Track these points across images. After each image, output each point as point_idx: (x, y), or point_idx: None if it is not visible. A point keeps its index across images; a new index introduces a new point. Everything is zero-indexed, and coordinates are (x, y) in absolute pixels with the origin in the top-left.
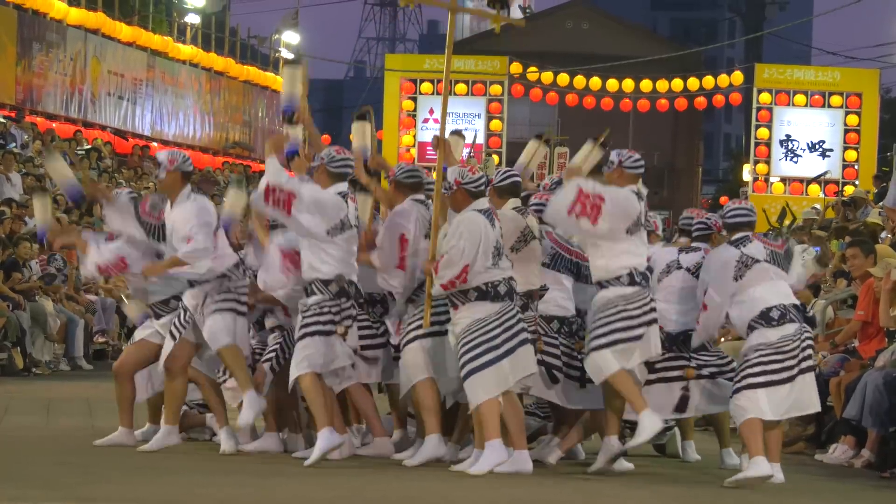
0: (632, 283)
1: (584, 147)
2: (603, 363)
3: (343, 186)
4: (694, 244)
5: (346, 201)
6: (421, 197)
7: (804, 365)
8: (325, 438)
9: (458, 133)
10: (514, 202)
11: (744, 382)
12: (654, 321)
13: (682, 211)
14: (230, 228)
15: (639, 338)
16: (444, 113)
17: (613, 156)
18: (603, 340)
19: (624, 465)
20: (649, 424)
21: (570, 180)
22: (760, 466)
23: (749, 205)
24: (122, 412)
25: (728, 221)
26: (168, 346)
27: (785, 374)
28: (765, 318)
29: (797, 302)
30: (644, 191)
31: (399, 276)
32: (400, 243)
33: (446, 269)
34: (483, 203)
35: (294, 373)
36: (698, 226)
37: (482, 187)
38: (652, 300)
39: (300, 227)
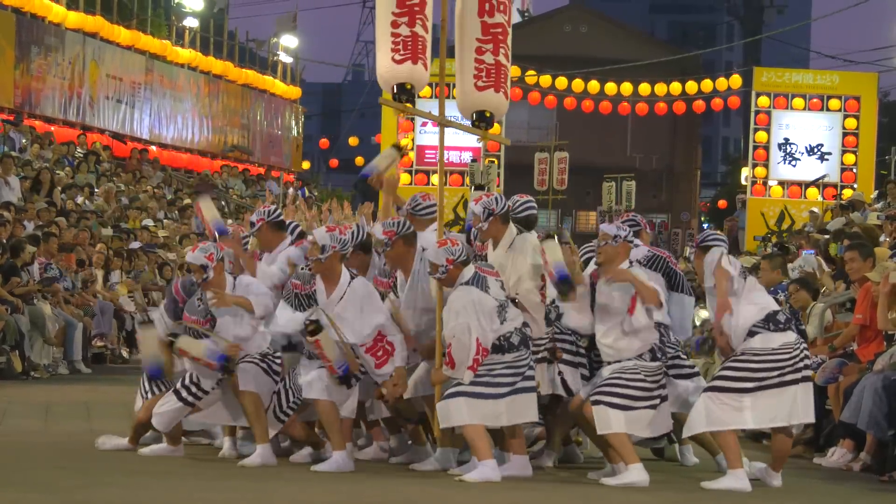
0: (654, 358)
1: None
2: (614, 421)
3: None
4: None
5: None
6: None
7: (802, 374)
8: (339, 461)
9: (397, 147)
10: (514, 230)
11: (727, 385)
12: (666, 398)
13: (679, 214)
14: (227, 233)
15: (654, 408)
16: (442, 114)
17: (612, 229)
18: (617, 400)
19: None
20: (638, 479)
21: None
22: (741, 480)
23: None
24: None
25: (705, 244)
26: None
27: (776, 381)
28: (772, 322)
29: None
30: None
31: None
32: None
33: (461, 352)
34: (468, 272)
35: (310, 394)
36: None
37: (462, 258)
38: (665, 376)
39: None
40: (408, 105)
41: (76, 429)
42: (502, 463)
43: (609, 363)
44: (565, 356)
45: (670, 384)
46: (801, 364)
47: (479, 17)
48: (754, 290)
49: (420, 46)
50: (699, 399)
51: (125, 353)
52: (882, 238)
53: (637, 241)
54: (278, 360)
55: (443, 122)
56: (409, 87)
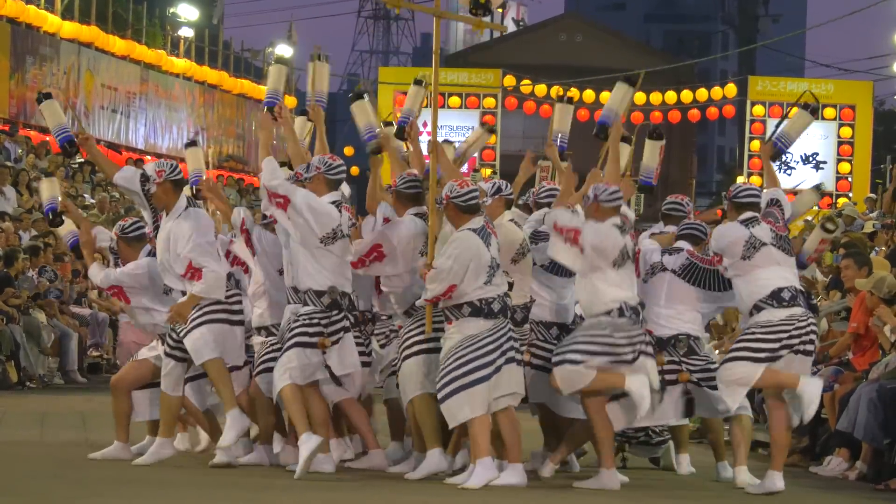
0: (621, 316)
1: (619, 88)
2: (577, 376)
3: (337, 195)
4: (677, 244)
5: (340, 210)
6: (422, 210)
7: (806, 348)
8: (304, 443)
9: (447, 143)
10: (510, 214)
11: (744, 354)
12: (645, 353)
13: None
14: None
15: (630, 361)
16: (435, 123)
17: (590, 191)
18: (579, 357)
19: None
20: (609, 483)
21: (553, 209)
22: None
23: (757, 186)
24: (118, 426)
25: (737, 201)
26: (167, 365)
27: (780, 352)
28: (775, 299)
29: (802, 288)
30: (628, 221)
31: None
32: (371, 249)
33: (431, 283)
34: (478, 221)
35: (277, 384)
36: (673, 206)
37: (472, 202)
38: (643, 334)
39: (295, 232)
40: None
41: (72, 439)
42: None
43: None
44: (546, 364)
45: (700, 392)
46: (806, 337)
47: None
48: (766, 264)
49: None
50: (718, 381)
51: (120, 363)
52: (875, 250)
53: (685, 245)
54: (235, 299)
55: (439, 14)
56: None
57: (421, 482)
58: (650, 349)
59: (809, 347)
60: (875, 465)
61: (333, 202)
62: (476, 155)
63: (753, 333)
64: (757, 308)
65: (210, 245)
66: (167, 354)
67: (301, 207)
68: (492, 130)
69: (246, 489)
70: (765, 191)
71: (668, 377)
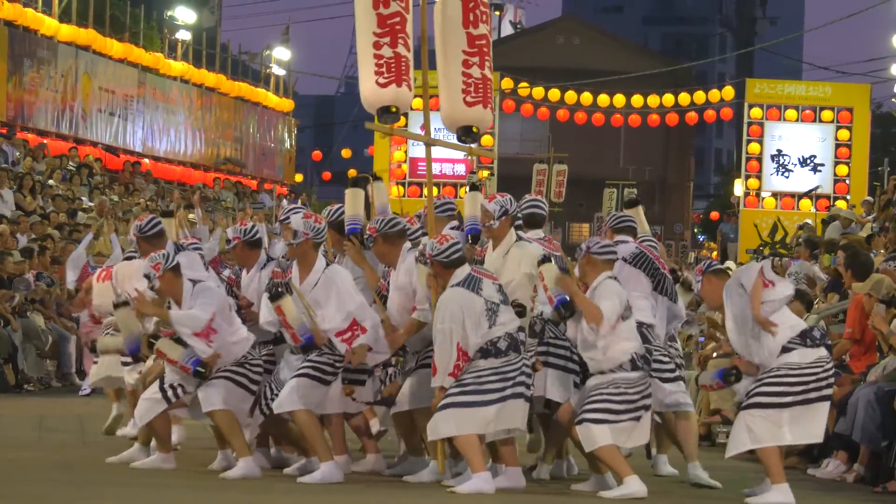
0: (634, 368)
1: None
2: (599, 436)
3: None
4: (619, 238)
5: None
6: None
7: (825, 392)
8: (326, 474)
9: (362, 180)
10: (538, 233)
11: (766, 400)
12: (650, 407)
13: (673, 227)
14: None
15: (637, 419)
16: (429, 132)
17: (582, 244)
18: (599, 416)
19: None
20: (636, 489)
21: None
22: (786, 494)
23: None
24: (158, 440)
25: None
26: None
27: (813, 395)
28: (809, 338)
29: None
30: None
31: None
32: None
33: (441, 358)
34: (462, 272)
35: (287, 406)
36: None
37: (455, 256)
38: (650, 385)
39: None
40: (394, 127)
41: (69, 441)
42: (496, 475)
43: (592, 374)
44: (558, 361)
45: (653, 385)
46: (831, 380)
47: (463, 29)
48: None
49: (403, 67)
50: (739, 418)
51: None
52: (873, 252)
53: (625, 238)
54: (257, 368)
55: (429, 142)
56: (394, 109)
57: (417, 485)
58: (649, 401)
59: (826, 393)
60: (873, 467)
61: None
62: (472, 158)
63: (786, 375)
64: (786, 349)
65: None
66: (162, 390)
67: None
68: (476, 188)
69: (245, 492)
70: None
71: (646, 402)
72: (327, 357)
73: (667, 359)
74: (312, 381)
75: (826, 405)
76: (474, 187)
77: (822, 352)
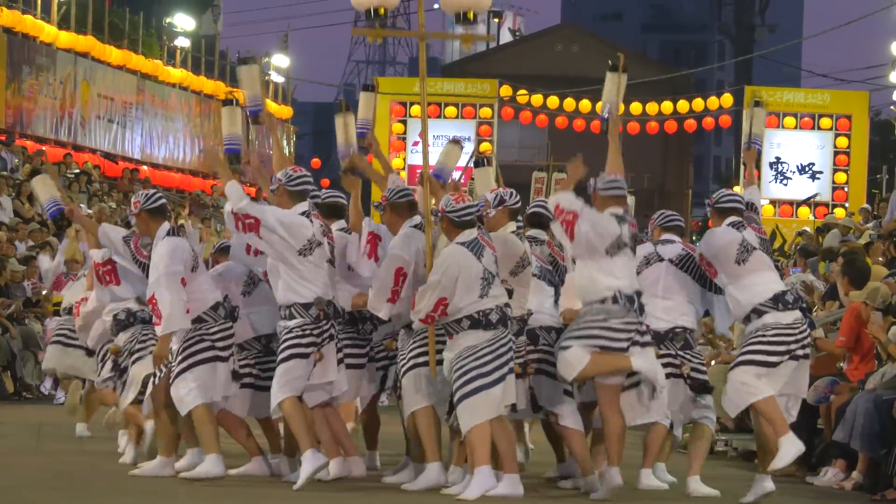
0: (615, 304)
1: (609, 78)
2: (574, 359)
3: (305, 205)
4: (665, 236)
5: (311, 219)
6: (417, 220)
7: (804, 351)
8: (309, 460)
9: (455, 142)
10: (513, 226)
11: (748, 358)
12: (640, 342)
13: None
14: None
15: (623, 350)
16: (426, 141)
17: (591, 182)
18: (573, 342)
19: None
20: (612, 481)
21: (554, 194)
22: (795, 442)
23: (738, 194)
24: (166, 442)
25: (721, 206)
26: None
27: (799, 353)
28: (780, 302)
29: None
30: (628, 212)
31: (387, 308)
32: (395, 277)
33: (420, 301)
34: (470, 234)
35: (276, 397)
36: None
37: (467, 218)
38: (639, 323)
39: (271, 250)
40: (379, 29)
41: (68, 449)
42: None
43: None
44: (550, 369)
45: (684, 397)
46: (808, 341)
47: None
48: (759, 269)
49: None
50: (729, 379)
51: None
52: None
53: (672, 238)
54: (221, 334)
55: (423, 35)
56: (381, 12)
57: (417, 492)
58: (647, 338)
59: (808, 352)
60: (871, 475)
61: (303, 213)
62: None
63: (764, 336)
64: (758, 312)
65: (175, 276)
66: (154, 376)
67: (273, 225)
68: (457, 142)
69: (243, 499)
70: (744, 192)
71: (667, 371)
72: (297, 332)
73: (704, 368)
74: (290, 362)
75: (807, 364)
76: (479, 163)
77: (797, 314)
